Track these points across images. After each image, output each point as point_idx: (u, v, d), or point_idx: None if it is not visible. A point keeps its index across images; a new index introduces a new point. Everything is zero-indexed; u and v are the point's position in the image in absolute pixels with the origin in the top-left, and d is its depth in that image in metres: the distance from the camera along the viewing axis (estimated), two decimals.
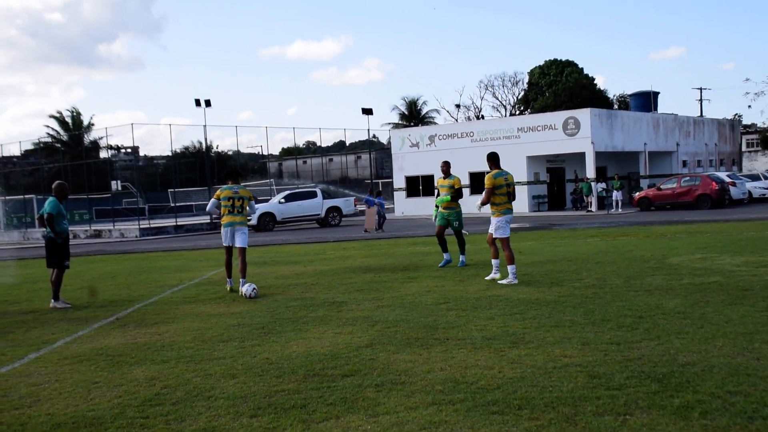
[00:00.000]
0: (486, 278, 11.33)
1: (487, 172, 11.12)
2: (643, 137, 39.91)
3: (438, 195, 13.75)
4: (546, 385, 5.36)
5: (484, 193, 10.99)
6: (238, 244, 11.42)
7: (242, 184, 12.11)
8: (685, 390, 5.06)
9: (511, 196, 11.06)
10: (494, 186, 10.88)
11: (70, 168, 50.87)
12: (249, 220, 12.21)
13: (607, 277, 10.91)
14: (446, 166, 13.61)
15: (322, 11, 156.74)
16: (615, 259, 13.30)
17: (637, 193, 34.63)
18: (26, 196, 46.03)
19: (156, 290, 12.55)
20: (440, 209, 13.59)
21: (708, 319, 7.37)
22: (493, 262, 11.42)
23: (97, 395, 5.80)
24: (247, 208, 11.62)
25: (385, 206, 31.29)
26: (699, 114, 60.70)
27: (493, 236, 11.09)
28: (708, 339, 6.51)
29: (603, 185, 35.48)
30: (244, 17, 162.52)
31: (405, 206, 42.77)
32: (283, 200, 35.37)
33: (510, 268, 10.86)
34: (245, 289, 10.88)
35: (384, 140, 76.05)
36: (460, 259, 13.61)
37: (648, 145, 40.17)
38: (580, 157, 36.46)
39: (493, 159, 11.18)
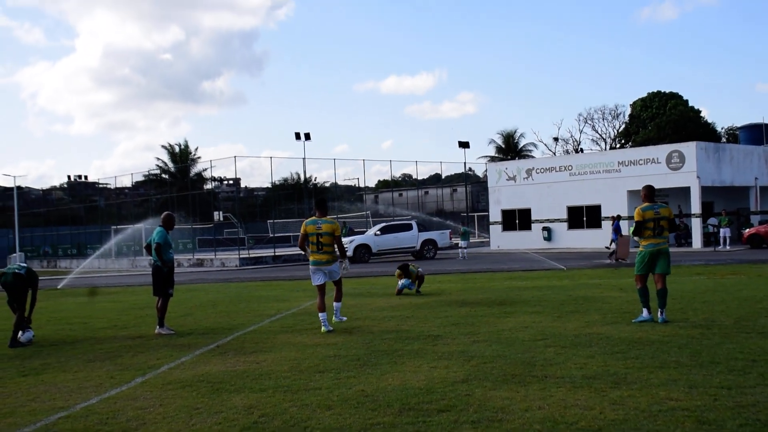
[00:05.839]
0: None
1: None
2: (753, 171, 38.15)
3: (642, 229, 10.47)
4: (651, 429, 5.13)
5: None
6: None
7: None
8: None
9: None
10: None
11: (176, 199, 53.04)
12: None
13: (716, 318, 10.41)
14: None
15: (416, 47, 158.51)
16: (724, 299, 12.69)
17: (747, 230, 33.04)
18: (135, 225, 48.20)
19: (254, 319, 12.82)
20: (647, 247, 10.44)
21: None
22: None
23: (198, 421, 5.95)
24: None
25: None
26: None
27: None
28: None
29: (715, 221, 33.84)
30: (340, 54, 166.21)
31: (501, 240, 42.28)
32: (378, 232, 35.65)
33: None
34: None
35: (480, 173, 75.82)
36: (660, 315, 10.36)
37: (759, 179, 38.36)
38: (685, 192, 35.18)
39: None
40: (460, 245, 34.66)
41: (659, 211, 10.39)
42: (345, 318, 11.45)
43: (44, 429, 5.94)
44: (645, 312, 10.46)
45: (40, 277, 11.74)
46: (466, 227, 37.07)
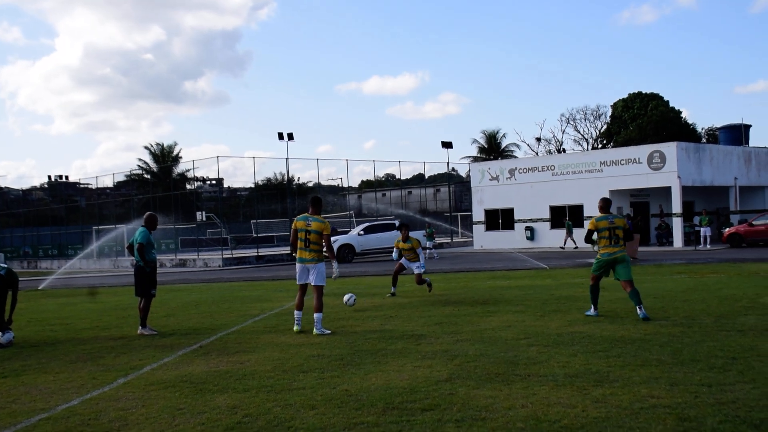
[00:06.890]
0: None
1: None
2: (733, 171, 38.54)
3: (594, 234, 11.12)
4: (633, 426, 5.17)
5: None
6: None
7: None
8: None
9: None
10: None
11: (159, 199, 52.72)
12: None
13: (696, 316, 10.51)
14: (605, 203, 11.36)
15: (398, 48, 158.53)
16: (704, 297, 12.81)
17: (727, 229, 33.36)
18: (118, 225, 47.82)
19: (238, 319, 12.78)
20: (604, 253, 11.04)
21: None
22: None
23: (182, 422, 5.92)
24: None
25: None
26: None
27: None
28: None
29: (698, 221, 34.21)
30: (322, 54, 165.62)
31: (484, 240, 42.41)
32: (362, 232, 35.66)
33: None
34: (346, 298, 12.82)
35: (463, 173, 76.00)
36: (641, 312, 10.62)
37: (739, 179, 38.76)
38: (666, 191, 35.48)
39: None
40: (427, 245, 34.92)
41: (614, 221, 11.06)
42: (329, 331, 10.43)
43: (25, 431, 5.89)
44: (593, 308, 11.34)
45: (20, 278, 11.63)
46: (430, 227, 37.33)
